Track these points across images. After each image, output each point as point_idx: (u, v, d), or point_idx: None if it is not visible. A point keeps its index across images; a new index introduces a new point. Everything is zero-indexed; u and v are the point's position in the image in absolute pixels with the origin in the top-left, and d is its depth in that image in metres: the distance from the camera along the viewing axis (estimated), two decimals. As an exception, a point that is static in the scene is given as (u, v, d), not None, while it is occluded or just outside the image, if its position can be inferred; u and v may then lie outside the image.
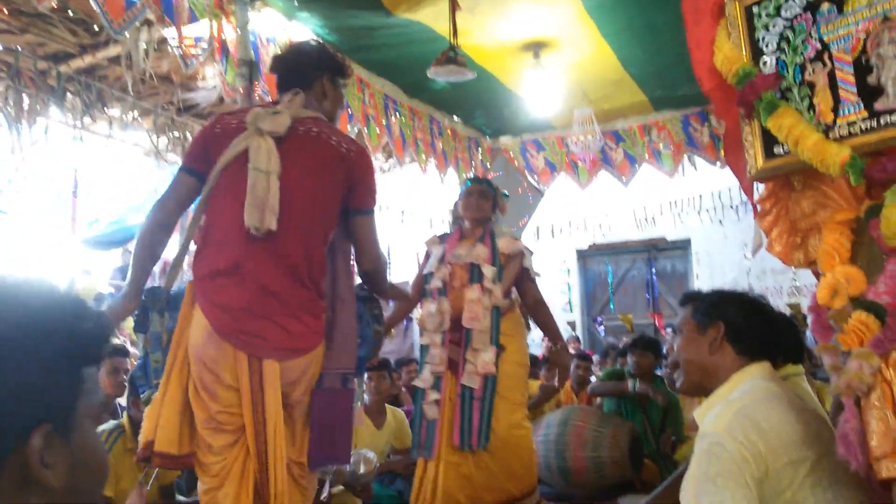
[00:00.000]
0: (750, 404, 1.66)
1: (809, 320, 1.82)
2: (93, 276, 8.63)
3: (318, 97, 2.34)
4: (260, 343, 2.08)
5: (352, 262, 2.38)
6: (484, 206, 3.67)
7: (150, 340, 2.43)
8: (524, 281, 3.64)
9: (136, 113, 6.03)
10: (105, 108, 5.68)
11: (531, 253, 3.70)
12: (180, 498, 3.30)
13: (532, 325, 4.16)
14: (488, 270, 3.51)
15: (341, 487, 3.91)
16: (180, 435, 2.11)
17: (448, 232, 3.87)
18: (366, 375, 4.72)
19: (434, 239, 3.83)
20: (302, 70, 2.35)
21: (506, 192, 4.01)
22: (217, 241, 2.17)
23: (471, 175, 5.88)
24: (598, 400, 5.25)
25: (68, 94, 5.26)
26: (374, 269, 2.33)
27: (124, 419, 2.94)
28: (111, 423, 2.94)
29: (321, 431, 2.22)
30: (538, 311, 3.71)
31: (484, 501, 3.40)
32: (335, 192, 2.21)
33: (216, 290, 2.12)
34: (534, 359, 5.75)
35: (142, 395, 2.68)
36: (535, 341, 9.29)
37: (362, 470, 3.97)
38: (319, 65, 2.36)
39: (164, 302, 2.40)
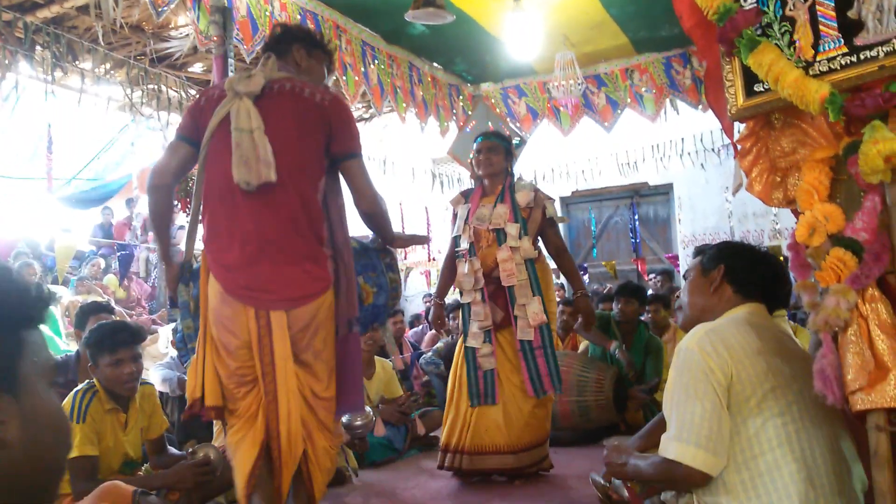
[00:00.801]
0: (722, 324, 1.80)
1: (789, 259, 1.85)
2: (73, 234, 8.55)
3: (292, 63, 2.49)
4: (265, 297, 2.21)
5: (345, 217, 2.47)
6: (494, 161, 3.74)
7: (180, 309, 2.55)
8: (547, 229, 3.76)
9: (108, 65, 5.88)
10: (76, 61, 5.54)
11: (553, 200, 3.82)
12: (172, 450, 3.32)
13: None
14: (512, 229, 3.62)
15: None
16: (220, 388, 2.31)
17: (471, 189, 3.94)
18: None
19: (458, 198, 3.95)
20: (280, 39, 2.53)
21: (518, 139, 4.06)
22: (215, 204, 2.31)
23: (450, 125, 5.87)
24: (583, 345, 5.32)
25: (37, 47, 5.11)
26: (374, 210, 2.41)
27: (95, 379, 2.92)
28: (84, 384, 2.92)
29: (341, 380, 2.38)
30: (561, 259, 3.84)
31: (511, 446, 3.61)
32: (317, 140, 2.30)
33: (221, 251, 2.27)
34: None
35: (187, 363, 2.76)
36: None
37: (358, 422, 4.03)
38: (293, 35, 2.53)
39: (187, 272, 2.50)
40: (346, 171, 2.38)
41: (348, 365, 2.40)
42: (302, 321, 2.24)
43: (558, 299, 7.36)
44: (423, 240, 3.02)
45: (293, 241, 2.24)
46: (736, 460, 1.68)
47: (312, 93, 2.33)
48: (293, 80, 2.37)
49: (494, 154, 3.75)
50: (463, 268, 3.74)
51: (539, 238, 3.80)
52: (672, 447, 1.71)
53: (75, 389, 2.90)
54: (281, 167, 2.21)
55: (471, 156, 3.95)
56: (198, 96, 2.51)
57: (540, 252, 3.79)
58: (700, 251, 2.08)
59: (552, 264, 3.98)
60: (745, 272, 1.91)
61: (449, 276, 3.97)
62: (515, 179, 3.86)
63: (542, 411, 3.70)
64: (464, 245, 3.74)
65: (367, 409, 4.23)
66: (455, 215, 3.91)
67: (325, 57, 2.60)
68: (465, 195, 3.91)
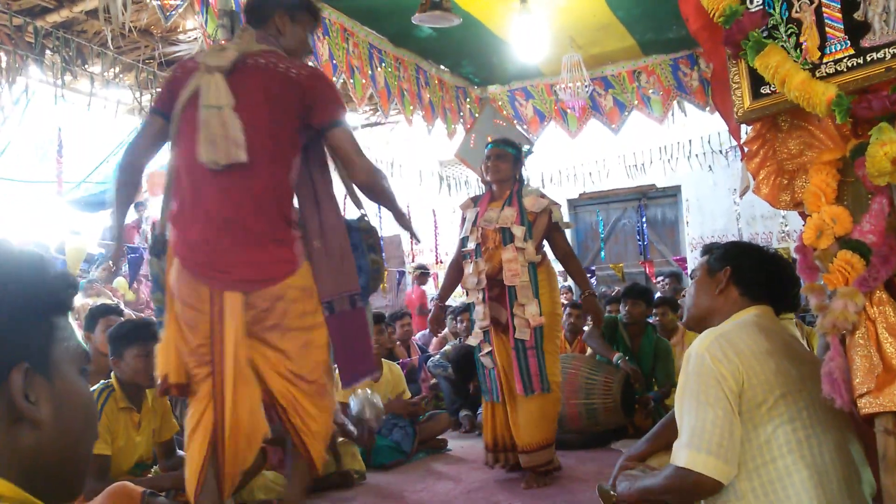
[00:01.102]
0: (732, 328, 1.77)
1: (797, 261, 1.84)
2: (82, 236, 8.59)
3: (273, 33, 2.36)
4: (221, 276, 2.14)
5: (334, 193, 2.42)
6: (502, 168, 3.82)
7: (152, 282, 2.52)
8: (553, 234, 3.84)
9: (117, 69, 5.92)
10: (86, 65, 5.57)
11: (559, 205, 3.89)
12: (181, 453, 3.33)
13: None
14: (518, 231, 3.71)
15: (340, 439, 3.97)
16: (182, 366, 2.24)
17: (481, 194, 4.04)
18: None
19: (468, 202, 4.04)
20: (258, 6, 2.40)
21: (529, 147, 4.25)
22: (182, 181, 2.23)
23: (457, 128, 5.91)
24: (591, 348, 5.31)
25: (47, 51, 5.15)
26: (371, 181, 2.32)
27: (112, 378, 2.95)
28: (100, 384, 2.95)
29: (343, 352, 2.36)
30: (568, 262, 3.93)
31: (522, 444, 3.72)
32: (291, 117, 2.21)
33: (184, 228, 2.20)
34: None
35: None
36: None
37: (368, 414, 4.09)
38: (274, 1, 2.38)
39: (160, 245, 2.42)
40: (331, 141, 2.28)
41: (351, 340, 2.36)
42: (264, 303, 2.17)
43: (564, 301, 7.37)
44: (415, 236, 2.84)
45: (257, 221, 2.16)
46: (747, 467, 1.66)
47: (287, 67, 2.23)
48: (269, 53, 2.27)
49: (502, 161, 3.83)
50: (468, 268, 3.84)
51: (545, 243, 3.90)
52: (683, 454, 1.68)
53: (90, 389, 2.92)
54: (250, 146, 2.13)
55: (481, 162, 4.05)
56: (176, 66, 2.43)
57: (545, 256, 3.87)
58: (707, 250, 2.06)
59: (558, 267, 4.01)
60: (752, 274, 1.89)
61: (453, 278, 4.06)
62: (524, 185, 3.95)
63: (552, 411, 3.78)
64: (471, 246, 3.84)
65: (378, 400, 4.27)
66: (464, 219, 3.99)
67: (310, 20, 2.48)
68: (475, 200, 4.02)
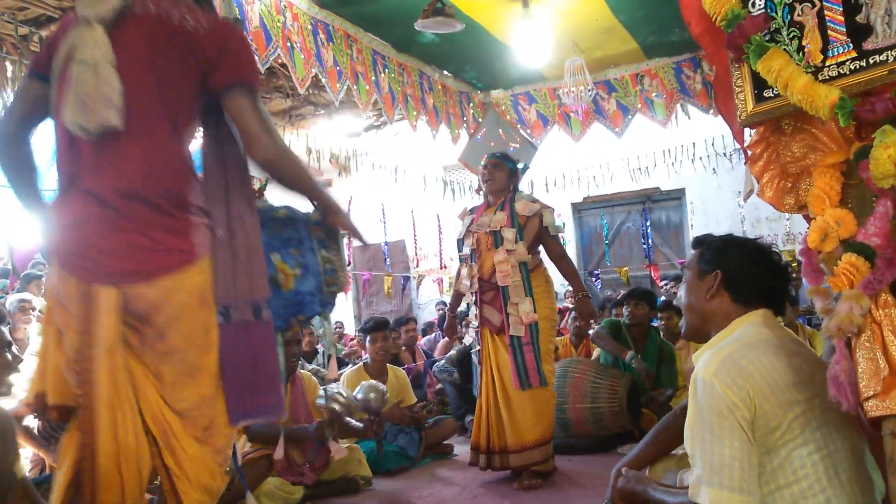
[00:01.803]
0: (738, 350, 1.68)
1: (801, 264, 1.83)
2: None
3: None
4: (92, 266, 1.72)
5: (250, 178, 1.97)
6: (497, 176, 4.00)
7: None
8: (546, 237, 3.98)
9: (121, 77, 5.94)
10: (90, 74, 5.60)
11: (551, 209, 4.03)
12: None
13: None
14: (508, 233, 3.87)
15: (345, 445, 3.98)
16: (65, 384, 1.75)
17: (476, 206, 4.21)
18: (368, 337, 4.78)
19: (465, 212, 4.23)
20: None
21: (525, 163, 4.47)
22: (59, 154, 1.86)
23: (461, 133, 5.95)
24: (596, 352, 5.31)
25: (52, 60, 5.18)
26: (273, 157, 1.84)
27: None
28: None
29: (234, 375, 1.81)
30: (562, 264, 4.03)
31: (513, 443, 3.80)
32: (183, 77, 1.80)
33: (56, 209, 1.83)
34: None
35: None
36: (558, 296, 9.35)
37: (372, 397, 4.12)
38: None
39: None
40: (228, 108, 1.82)
41: (248, 360, 1.83)
42: (146, 303, 1.71)
43: (570, 305, 7.36)
44: (359, 236, 2.17)
45: (138, 203, 1.73)
46: (762, 490, 1.63)
47: (182, 16, 1.81)
48: (161, 0, 1.82)
49: (497, 170, 4.01)
50: (463, 271, 4.07)
51: (540, 248, 4.04)
52: (704, 493, 1.62)
53: None
54: (131, 111, 1.74)
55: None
56: (58, 24, 1.95)
57: (541, 262, 4.02)
58: (699, 242, 1.95)
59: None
60: (745, 278, 1.80)
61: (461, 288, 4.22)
62: (517, 193, 4.10)
63: (547, 408, 3.85)
64: (466, 251, 4.06)
65: (382, 386, 4.31)
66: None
67: None
68: (472, 211, 4.19)
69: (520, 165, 4.23)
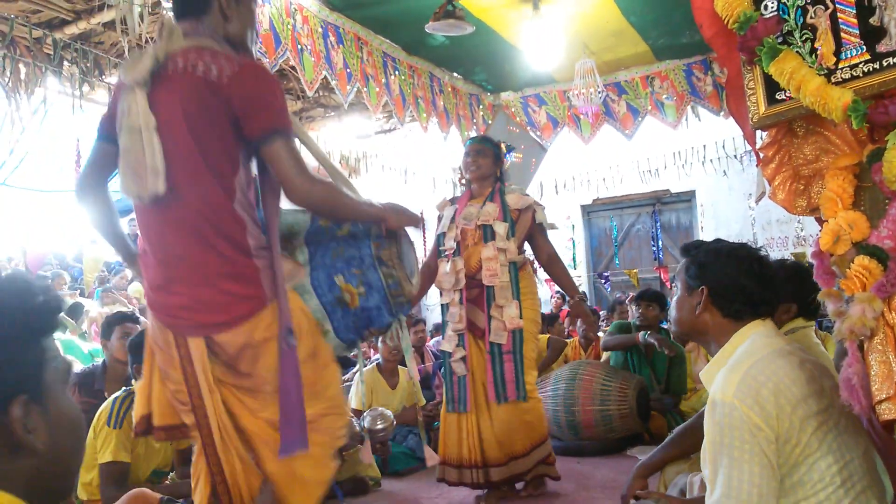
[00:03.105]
0: (754, 367, 1.64)
1: (814, 266, 1.82)
2: (100, 245, 8.68)
3: (217, 20, 1.95)
4: (178, 322, 1.87)
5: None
6: (482, 163, 3.63)
7: None
8: (536, 236, 3.62)
9: (133, 79, 5.98)
10: (103, 76, 5.64)
11: (543, 207, 3.68)
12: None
13: (538, 281, 4.16)
14: (500, 227, 3.49)
15: (354, 447, 3.99)
16: (170, 407, 1.97)
17: (458, 195, 3.84)
18: (379, 339, 4.79)
19: (444, 202, 3.83)
20: None
21: (510, 144, 3.99)
22: (136, 216, 1.96)
23: (471, 134, 5.87)
24: (606, 355, 5.30)
25: (65, 63, 5.21)
26: (309, 201, 1.88)
27: (133, 386, 2.98)
28: (122, 391, 2.97)
29: (280, 407, 1.90)
30: (552, 266, 3.68)
31: (501, 455, 3.48)
32: (218, 132, 1.83)
33: (145, 267, 1.96)
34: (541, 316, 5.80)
35: None
36: (544, 298, 9.34)
37: (379, 426, 4.07)
38: None
39: None
40: (263, 154, 1.84)
41: (286, 391, 1.89)
42: (232, 347, 1.85)
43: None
44: (415, 220, 2.20)
45: (204, 257, 1.82)
46: None
47: (207, 69, 1.81)
48: (190, 51, 1.85)
49: (482, 157, 3.65)
50: (445, 267, 3.59)
51: (527, 247, 3.69)
52: None
53: (114, 396, 2.95)
54: (177, 169, 1.80)
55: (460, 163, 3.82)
56: (115, 84, 2.04)
57: (526, 262, 3.66)
58: (685, 250, 1.90)
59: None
60: (731, 295, 1.76)
61: (426, 280, 3.66)
62: (505, 184, 3.74)
63: (531, 420, 3.51)
64: (449, 244, 3.60)
65: (388, 412, 4.27)
66: (440, 219, 3.77)
67: None
68: (452, 201, 3.80)
69: (504, 146, 3.87)
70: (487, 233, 3.52)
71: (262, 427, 1.89)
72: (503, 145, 3.83)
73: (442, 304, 3.67)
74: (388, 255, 2.14)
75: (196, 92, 1.81)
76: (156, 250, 1.89)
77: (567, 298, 3.86)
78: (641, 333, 4.76)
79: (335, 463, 2.05)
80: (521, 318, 3.43)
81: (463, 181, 3.79)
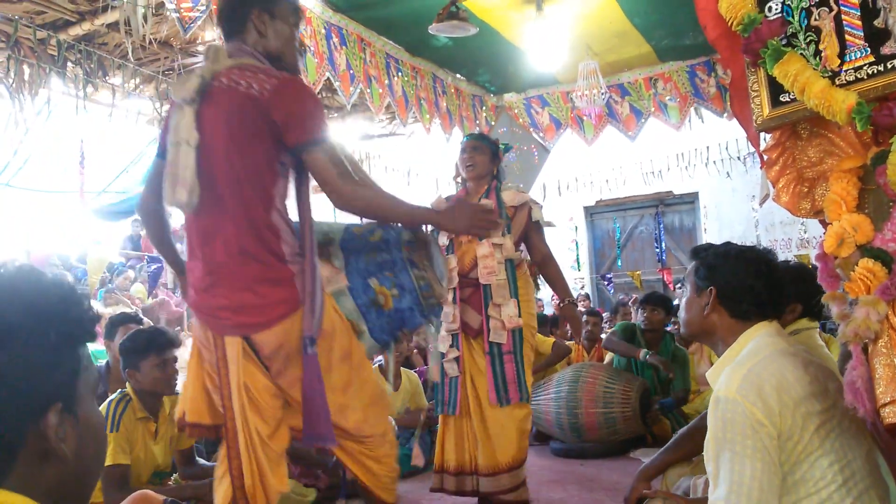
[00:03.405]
0: (758, 364, 1.66)
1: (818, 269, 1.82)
2: (104, 245, 8.70)
3: (255, 38, 2.07)
4: (217, 321, 2.00)
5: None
6: (478, 160, 3.49)
7: None
8: (532, 234, 3.50)
9: (137, 80, 6.00)
10: (107, 77, 5.65)
11: (539, 205, 3.56)
12: (201, 461, 3.36)
13: (541, 283, 4.10)
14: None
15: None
16: (208, 405, 2.09)
17: (454, 193, 3.70)
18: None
19: (440, 200, 3.66)
20: (230, 12, 2.10)
21: (507, 143, 3.85)
22: (185, 224, 2.10)
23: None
24: (608, 357, 5.29)
25: (69, 64, 5.23)
26: (353, 206, 1.96)
27: (128, 388, 2.98)
28: (117, 393, 2.98)
29: (305, 404, 2.03)
30: (547, 267, 3.56)
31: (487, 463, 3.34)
32: (258, 144, 1.95)
33: (190, 270, 2.08)
34: (543, 318, 5.80)
35: None
36: (546, 300, 9.33)
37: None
38: (244, 2, 2.08)
39: None
40: (305, 162, 1.95)
41: (308, 394, 2.01)
42: (268, 347, 1.98)
43: (583, 309, 7.34)
44: (491, 220, 2.09)
45: (243, 264, 1.95)
46: (781, 502, 1.62)
47: (250, 84, 1.93)
48: (234, 69, 1.97)
49: (479, 154, 3.49)
50: None
51: (523, 246, 3.55)
52: None
53: (109, 399, 2.95)
54: (220, 182, 1.94)
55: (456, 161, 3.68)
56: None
57: (522, 261, 3.52)
58: (695, 254, 1.93)
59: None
60: (738, 296, 1.78)
61: None
62: (502, 183, 3.60)
63: (525, 427, 3.38)
64: (442, 241, 3.43)
65: (390, 419, 4.23)
66: None
67: (291, 12, 2.14)
68: (448, 198, 3.59)
69: (502, 144, 3.71)
70: None
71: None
72: (501, 144, 3.68)
73: None
74: (418, 258, 2.23)
75: (239, 107, 1.93)
76: (199, 256, 2.01)
77: (560, 301, 3.65)
78: (643, 352, 4.75)
79: (395, 450, 2.24)
80: (519, 316, 3.31)
81: (458, 179, 3.68)
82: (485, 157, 3.50)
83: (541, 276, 3.89)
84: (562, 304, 3.63)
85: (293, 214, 2.09)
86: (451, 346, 3.43)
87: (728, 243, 1.96)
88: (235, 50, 2.04)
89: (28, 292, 0.78)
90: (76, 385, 0.81)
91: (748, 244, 1.94)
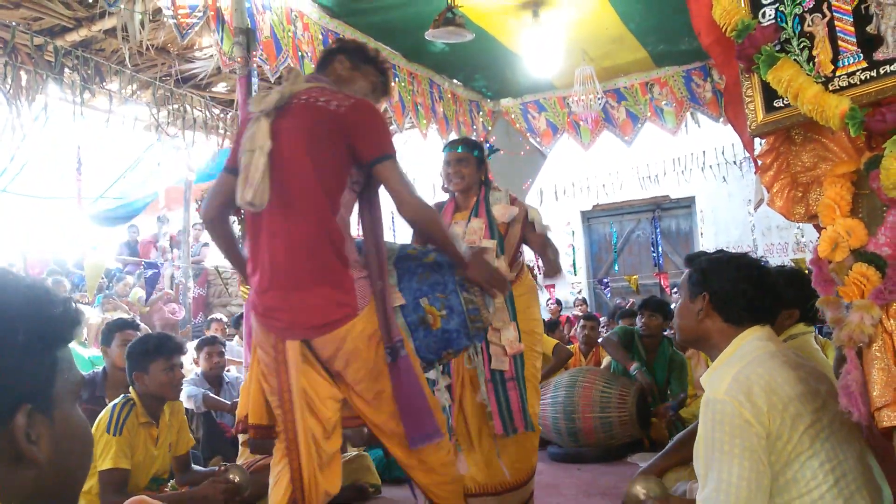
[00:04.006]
0: (747, 366, 1.68)
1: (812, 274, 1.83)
2: (101, 251, 8.69)
3: (332, 75, 2.32)
4: (279, 325, 2.11)
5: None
6: (464, 172, 3.27)
7: None
8: (528, 234, 3.32)
9: (134, 86, 5.99)
10: (104, 83, 5.65)
11: (536, 209, 3.38)
12: (197, 467, 3.36)
13: (539, 288, 4.03)
14: (488, 244, 3.16)
15: (354, 451, 3.98)
16: (266, 407, 2.22)
17: (443, 202, 3.45)
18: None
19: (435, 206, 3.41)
20: (323, 55, 2.42)
21: (492, 145, 3.72)
22: (248, 227, 2.25)
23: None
24: (606, 361, 5.30)
25: (66, 70, 5.23)
26: (417, 217, 2.17)
27: (132, 393, 2.98)
28: (121, 398, 2.97)
29: (403, 408, 2.18)
30: (546, 251, 3.32)
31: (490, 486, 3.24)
32: (334, 153, 2.12)
33: (252, 274, 2.20)
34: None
35: None
36: (541, 304, 9.33)
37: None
38: (340, 48, 2.38)
39: None
40: (378, 176, 2.14)
41: (409, 396, 2.17)
42: (326, 351, 2.11)
43: (580, 313, 7.35)
44: (499, 284, 2.39)
45: (307, 265, 2.08)
46: (773, 502, 1.63)
47: (328, 101, 2.14)
48: (313, 90, 2.19)
49: (465, 165, 3.26)
50: None
51: (522, 250, 3.40)
52: None
53: (113, 403, 2.95)
54: (292, 187, 2.09)
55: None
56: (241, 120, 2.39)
57: (523, 267, 3.38)
58: (689, 261, 1.96)
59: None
60: (731, 300, 1.80)
61: None
62: (490, 190, 3.39)
63: (530, 444, 3.26)
64: None
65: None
66: None
67: (376, 74, 2.39)
68: (438, 208, 3.35)
69: (487, 146, 3.52)
70: None
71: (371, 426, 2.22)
72: (485, 146, 3.48)
73: None
74: (469, 283, 2.32)
75: (318, 119, 2.12)
76: (263, 257, 2.14)
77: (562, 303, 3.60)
78: (634, 366, 4.78)
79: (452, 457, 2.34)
80: (520, 340, 3.17)
81: (445, 188, 3.45)
82: (470, 167, 3.29)
83: (543, 281, 3.79)
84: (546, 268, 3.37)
85: (360, 230, 2.28)
86: (443, 373, 3.17)
87: (720, 251, 2.00)
88: (313, 78, 2.27)
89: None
90: (51, 388, 0.79)
91: (744, 248, 1.96)
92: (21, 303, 0.77)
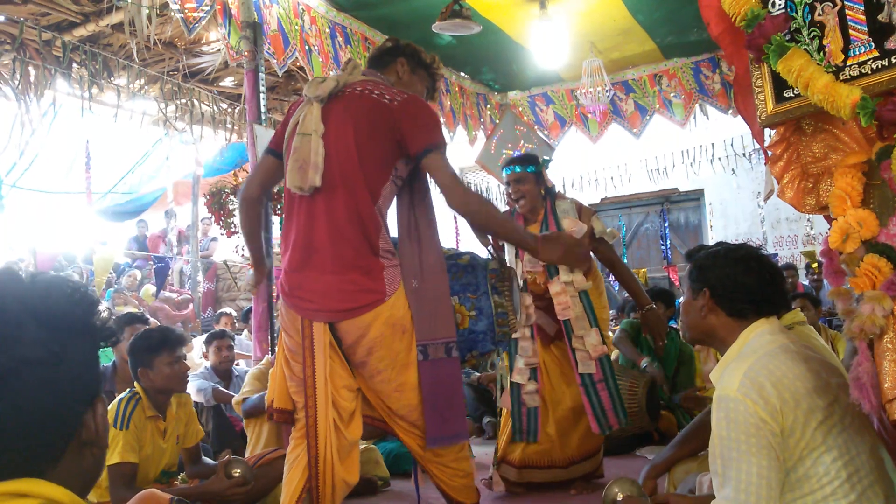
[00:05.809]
0: (757, 362, 1.66)
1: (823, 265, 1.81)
2: (110, 246, 8.72)
3: (392, 75, 2.39)
4: (308, 306, 2.14)
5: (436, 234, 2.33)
6: (527, 192, 3.48)
7: None
8: (598, 247, 3.55)
9: (142, 81, 6.01)
10: (112, 78, 5.67)
11: (597, 215, 3.60)
12: (207, 460, 3.37)
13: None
14: (580, 231, 3.42)
15: (363, 444, 3.99)
16: (287, 392, 2.26)
17: (511, 214, 3.64)
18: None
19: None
20: (383, 51, 2.45)
21: (546, 157, 3.87)
22: (286, 209, 2.28)
23: (478, 134, 5.77)
24: (615, 352, 5.29)
25: (74, 65, 5.24)
26: (465, 207, 2.17)
27: (137, 387, 2.99)
28: (126, 392, 2.99)
29: (431, 405, 2.19)
30: (617, 272, 3.68)
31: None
32: (383, 144, 2.16)
33: (284, 254, 2.24)
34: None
35: None
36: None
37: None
38: (401, 49, 2.43)
39: None
40: (427, 168, 2.18)
41: (441, 393, 2.19)
42: (350, 336, 2.14)
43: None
44: (582, 260, 2.42)
45: (340, 249, 2.12)
46: (785, 498, 1.62)
47: (382, 94, 2.20)
48: (368, 82, 2.26)
49: (524, 184, 3.48)
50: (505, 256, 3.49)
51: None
52: None
53: (119, 397, 2.96)
54: (335, 172, 2.13)
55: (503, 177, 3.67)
56: (290, 105, 2.45)
57: (590, 268, 3.58)
58: (689, 257, 1.96)
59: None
60: (732, 294, 1.80)
61: None
62: (556, 198, 3.58)
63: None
64: (508, 257, 3.54)
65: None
66: (501, 245, 3.60)
67: (428, 79, 2.48)
68: None
69: (543, 158, 3.66)
70: (551, 269, 3.42)
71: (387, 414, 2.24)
72: (541, 159, 3.61)
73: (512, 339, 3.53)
74: (502, 287, 2.35)
75: (370, 109, 2.17)
76: (298, 238, 2.17)
77: (640, 308, 3.66)
78: (644, 360, 4.76)
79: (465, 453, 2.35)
80: (603, 343, 3.41)
81: (511, 209, 3.66)
82: (530, 184, 3.48)
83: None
84: (643, 311, 3.57)
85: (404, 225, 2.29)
86: (531, 378, 3.51)
87: (720, 243, 1.99)
88: (370, 73, 2.34)
89: (49, 302, 0.85)
90: (100, 380, 0.90)
91: (754, 241, 1.95)
92: (84, 312, 0.87)
